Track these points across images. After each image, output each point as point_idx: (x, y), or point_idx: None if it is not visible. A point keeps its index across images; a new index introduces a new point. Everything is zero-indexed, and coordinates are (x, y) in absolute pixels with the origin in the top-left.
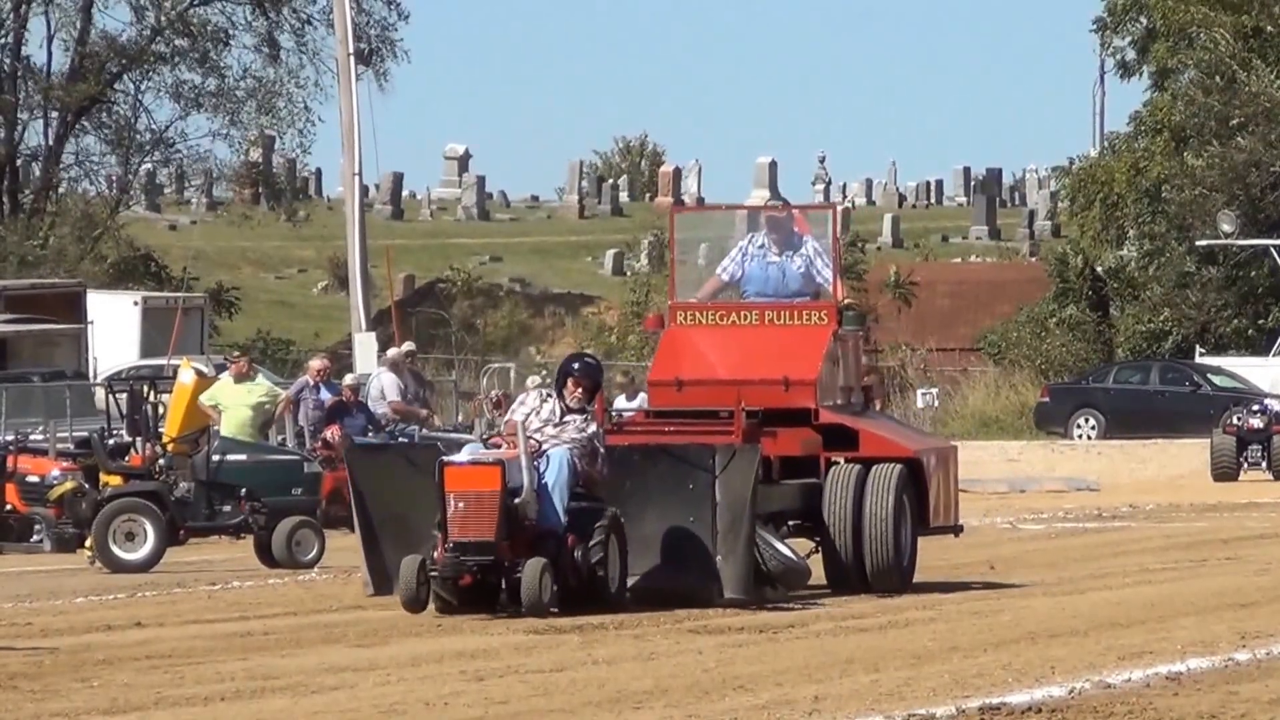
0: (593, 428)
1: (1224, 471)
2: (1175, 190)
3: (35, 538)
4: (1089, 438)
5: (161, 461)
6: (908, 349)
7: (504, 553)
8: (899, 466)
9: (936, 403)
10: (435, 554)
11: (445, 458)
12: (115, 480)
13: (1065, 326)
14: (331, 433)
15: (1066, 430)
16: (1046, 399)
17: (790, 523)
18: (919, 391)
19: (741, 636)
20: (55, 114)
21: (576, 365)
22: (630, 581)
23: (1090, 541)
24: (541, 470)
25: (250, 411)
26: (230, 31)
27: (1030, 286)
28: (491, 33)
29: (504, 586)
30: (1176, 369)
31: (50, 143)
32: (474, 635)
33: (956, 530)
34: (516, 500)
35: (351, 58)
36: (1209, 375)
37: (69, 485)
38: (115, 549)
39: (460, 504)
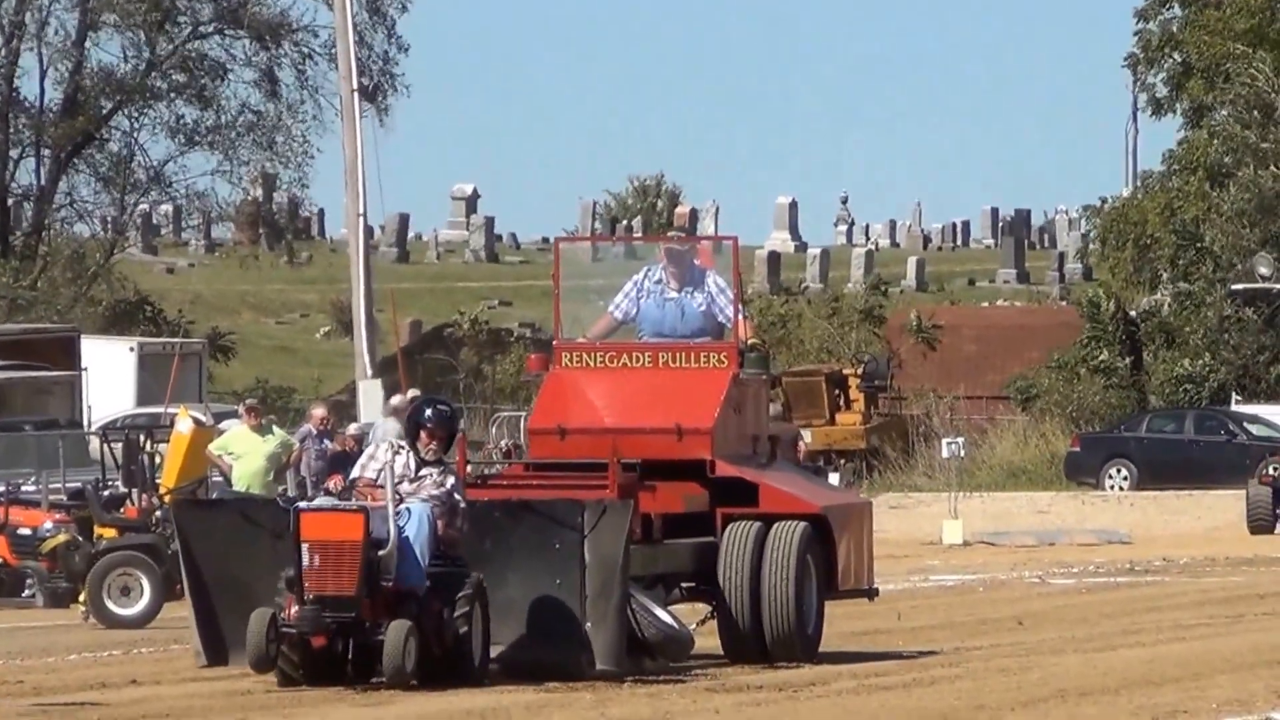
0: (451, 481)
1: (1260, 524)
2: (1210, 228)
3: (27, 592)
4: (1121, 488)
5: (158, 513)
6: (934, 396)
7: (366, 611)
8: (803, 524)
9: (963, 452)
10: (291, 611)
11: (301, 504)
12: (110, 533)
13: (1097, 373)
14: (335, 483)
15: (1098, 481)
16: (1077, 448)
17: (684, 586)
18: (944, 441)
19: (760, 695)
20: (47, 152)
21: (429, 413)
22: (492, 651)
23: (1122, 596)
24: (402, 524)
25: (265, 462)
26: (229, 67)
27: (1060, 331)
28: (500, 69)
29: (351, 656)
30: (1212, 418)
31: (42, 182)
32: (483, 694)
33: (871, 594)
34: (380, 553)
35: (355, 94)
36: (1245, 424)
37: (62, 538)
38: (110, 604)
39: (317, 556)
